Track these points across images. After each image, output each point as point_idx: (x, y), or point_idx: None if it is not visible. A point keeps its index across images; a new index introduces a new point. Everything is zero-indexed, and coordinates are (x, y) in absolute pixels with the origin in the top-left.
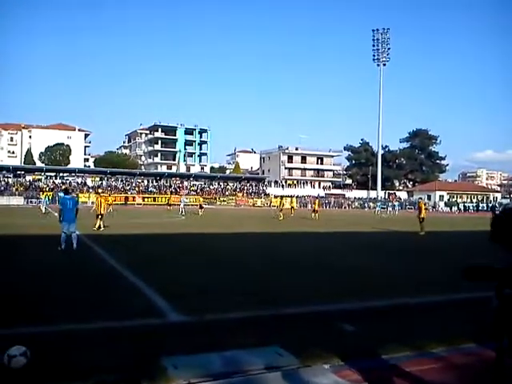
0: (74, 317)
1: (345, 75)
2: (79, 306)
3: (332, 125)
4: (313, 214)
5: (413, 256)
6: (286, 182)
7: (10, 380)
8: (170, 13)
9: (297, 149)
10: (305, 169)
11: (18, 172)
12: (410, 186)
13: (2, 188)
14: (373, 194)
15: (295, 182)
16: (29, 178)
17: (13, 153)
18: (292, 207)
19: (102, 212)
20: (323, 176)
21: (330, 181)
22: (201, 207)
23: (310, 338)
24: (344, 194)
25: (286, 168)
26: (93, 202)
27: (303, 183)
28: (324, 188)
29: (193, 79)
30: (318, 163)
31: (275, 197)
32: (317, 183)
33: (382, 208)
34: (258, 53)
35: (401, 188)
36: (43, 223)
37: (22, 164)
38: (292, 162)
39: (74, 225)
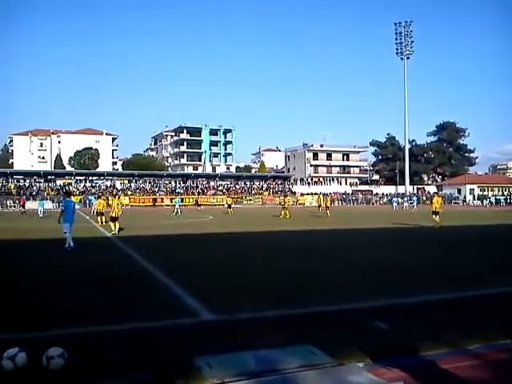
0: (107, 317)
1: (368, 70)
2: (112, 306)
3: (356, 121)
4: (327, 211)
5: (436, 249)
6: (311, 180)
7: (49, 381)
8: (194, 13)
9: (322, 146)
10: (330, 166)
11: (49, 177)
12: (439, 180)
13: (34, 193)
14: (401, 189)
15: (321, 179)
16: (59, 182)
17: (43, 158)
18: (320, 205)
19: (117, 214)
20: (349, 172)
21: (356, 177)
22: (229, 206)
23: (342, 336)
24: (371, 190)
25: (311, 165)
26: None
27: (329, 180)
28: (351, 184)
29: (216, 80)
30: (343, 160)
31: (301, 194)
32: (343, 180)
33: (410, 203)
34: (281, 52)
35: (430, 182)
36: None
37: (52, 169)
38: (317, 159)
39: (72, 225)
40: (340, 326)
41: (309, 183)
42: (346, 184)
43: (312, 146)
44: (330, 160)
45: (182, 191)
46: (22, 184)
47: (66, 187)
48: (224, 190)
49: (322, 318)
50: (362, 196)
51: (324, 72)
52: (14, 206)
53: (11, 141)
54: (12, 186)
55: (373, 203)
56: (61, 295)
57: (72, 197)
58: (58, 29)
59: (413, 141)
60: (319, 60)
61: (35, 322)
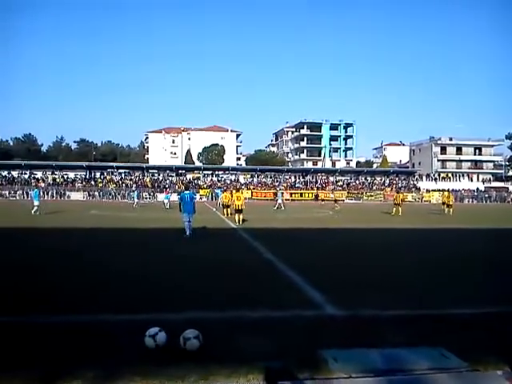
0: (236, 304)
1: (500, 54)
2: (240, 294)
3: (490, 111)
4: (445, 209)
5: None
6: (439, 175)
7: (185, 360)
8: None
9: (451, 139)
10: (460, 160)
11: (180, 171)
12: None
13: (167, 186)
14: None
15: (449, 174)
16: (189, 176)
17: (174, 154)
18: (444, 202)
19: (241, 207)
20: (482, 168)
21: (489, 173)
22: (336, 201)
23: (475, 340)
24: (507, 188)
25: (438, 160)
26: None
27: (459, 176)
28: (483, 181)
29: (336, 74)
30: (475, 154)
31: (427, 191)
32: (475, 176)
33: None
34: (406, 40)
35: None
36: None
37: (183, 164)
38: (445, 154)
39: (192, 215)
40: (474, 330)
41: (435, 179)
42: (477, 180)
43: (440, 139)
44: (460, 154)
45: (301, 186)
46: (155, 178)
47: (195, 181)
48: (344, 186)
49: (453, 321)
50: (495, 193)
51: (454, 59)
52: (149, 198)
53: (147, 138)
54: (147, 180)
55: (508, 201)
56: (193, 281)
57: (197, 190)
58: (191, 28)
59: None
60: (448, 47)
61: (171, 303)
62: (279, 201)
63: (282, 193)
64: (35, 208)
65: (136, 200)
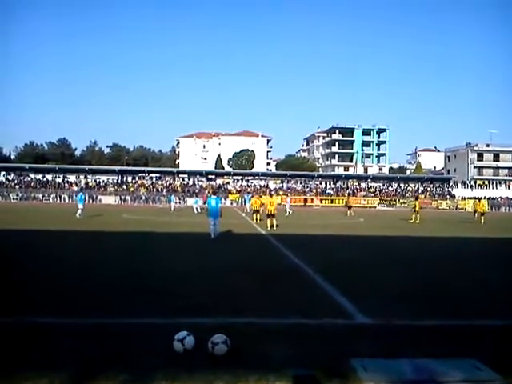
0: (264, 310)
1: None
2: (268, 300)
3: None
4: (479, 217)
5: None
6: (475, 183)
7: (213, 365)
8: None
9: (488, 145)
10: (498, 167)
11: (210, 176)
12: None
13: (197, 190)
14: None
15: (486, 182)
16: (219, 181)
17: (205, 159)
18: (476, 210)
19: (274, 212)
20: None
21: None
22: (349, 207)
23: (508, 352)
24: None
25: (474, 167)
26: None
27: (496, 184)
28: None
29: (370, 78)
30: None
31: (462, 198)
32: None
33: None
34: (437, 47)
35: None
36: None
37: (213, 169)
38: (482, 160)
39: (218, 219)
40: (506, 342)
41: (471, 186)
42: None
43: (476, 145)
44: (498, 161)
45: (332, 192)
46: (186, 182)
47: (224, 186)
48: (376, 192)
49: (486, 332)
50: None
51: (491, 64)
52: (179, 203)
53: (178, 143)
54: (178, 184)
55: None
56: (218, 284)
57: (227, 195)
58: (223, 31)
59: None
60: (484, 51)
61: (200, 309)
62: (171, 204)
63: (290, 198)
64: (79, 211)
65: (173, 204)
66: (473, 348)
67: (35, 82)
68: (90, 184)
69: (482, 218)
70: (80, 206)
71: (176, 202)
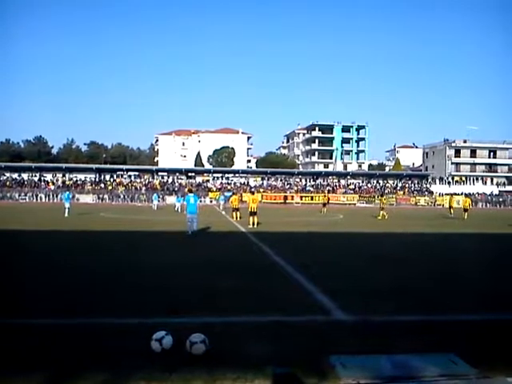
0: (244, 308)
1: None
2: (248, 298)
3: (505, 113)
4: (464, 214)
5: None
6: (452, 179)
7: (191, 364)
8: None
9: (465, 141)
10: (475, 163)
11: (190, 174)
12: None
13: (176, 188)
14: None
15: (463, 178)
16: (199, 179)
17: (184, 156)
18: (451, 206)
19: (256, 209)
20: (496, 171)
21: (505, 176)
22: (324, 205)
23: (485, 347)
24: None
25: (452, 163)
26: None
27: (473, 179)
28: (498, 184)
29: (348, 75)
30: (490, 157)
31: (440, 195)
32: (489, 179)
33: None
34: (418, 45)
35: None
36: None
37: (193, 166)
38: (460, 157)
39: (195, 215)
40: (484, 337)
41: (449, 182)
42: (492, 184)
43: (454, 142)
44: (475, 157)
45: (312, 189)
46: (165, 180)
47: (204, 184)
48: (355, 189)
49: (463, 327)
50: (510, 198)
51: (468, 59)
52: (159, 201)
53: (157, 140)
54: (157, 182)
55: None
56: (198, 285)
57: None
58: (201, 29)
59: None
60: (461, 48)
61: (179, 307)
62: (154, 202)
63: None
64: (66, 210)
65: (156, 203)
66: (450, 343)
67: (11, 79)
68: (67, 183)
69: (466, 213)
70: (67, 205)
71: (159, 201)
